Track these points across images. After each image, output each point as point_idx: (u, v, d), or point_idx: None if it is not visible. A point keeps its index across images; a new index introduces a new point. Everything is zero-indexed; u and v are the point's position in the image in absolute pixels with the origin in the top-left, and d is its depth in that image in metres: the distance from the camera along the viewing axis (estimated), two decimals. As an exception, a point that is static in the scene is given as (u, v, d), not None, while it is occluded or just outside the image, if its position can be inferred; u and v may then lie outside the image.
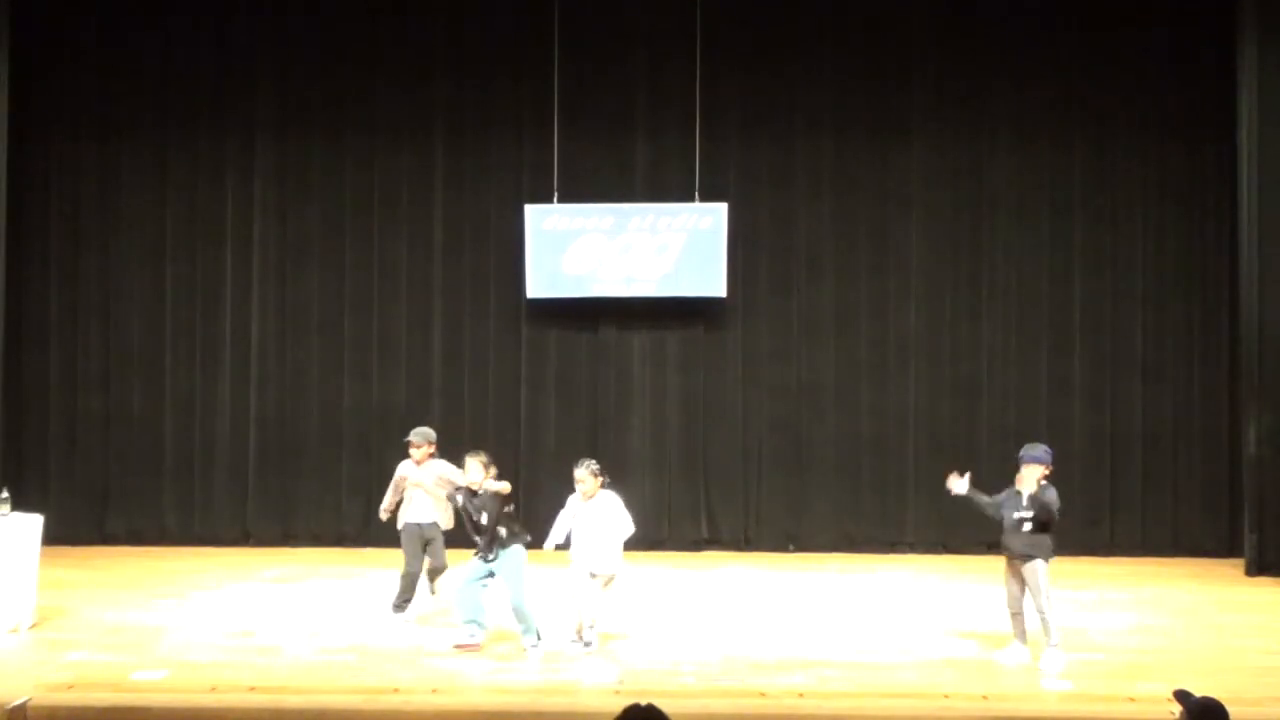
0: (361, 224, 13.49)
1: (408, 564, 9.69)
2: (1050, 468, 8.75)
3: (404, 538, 9.75)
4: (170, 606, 10.42)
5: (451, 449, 13.32)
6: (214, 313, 13.52)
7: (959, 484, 8.82)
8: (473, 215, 13.50)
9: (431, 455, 9.84)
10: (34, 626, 9.47)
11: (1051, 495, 8.62)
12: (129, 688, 7.99)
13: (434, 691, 7.95)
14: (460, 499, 9.09)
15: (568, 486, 13.01)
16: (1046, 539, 8.58)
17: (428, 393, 13.43)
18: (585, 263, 13.03)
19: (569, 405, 13.45)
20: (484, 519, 8.92)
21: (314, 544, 13.18)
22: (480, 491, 8.94)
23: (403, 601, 9.69)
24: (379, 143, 13.48)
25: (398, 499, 9.88)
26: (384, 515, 9.98)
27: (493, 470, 9.00)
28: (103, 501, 13.48)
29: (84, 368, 13.53)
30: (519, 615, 8.89)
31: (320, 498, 13.44)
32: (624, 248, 12.99)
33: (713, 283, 12.99)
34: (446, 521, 9.76)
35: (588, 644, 8.88)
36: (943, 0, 13.31)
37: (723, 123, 13.22)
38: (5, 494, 9.50)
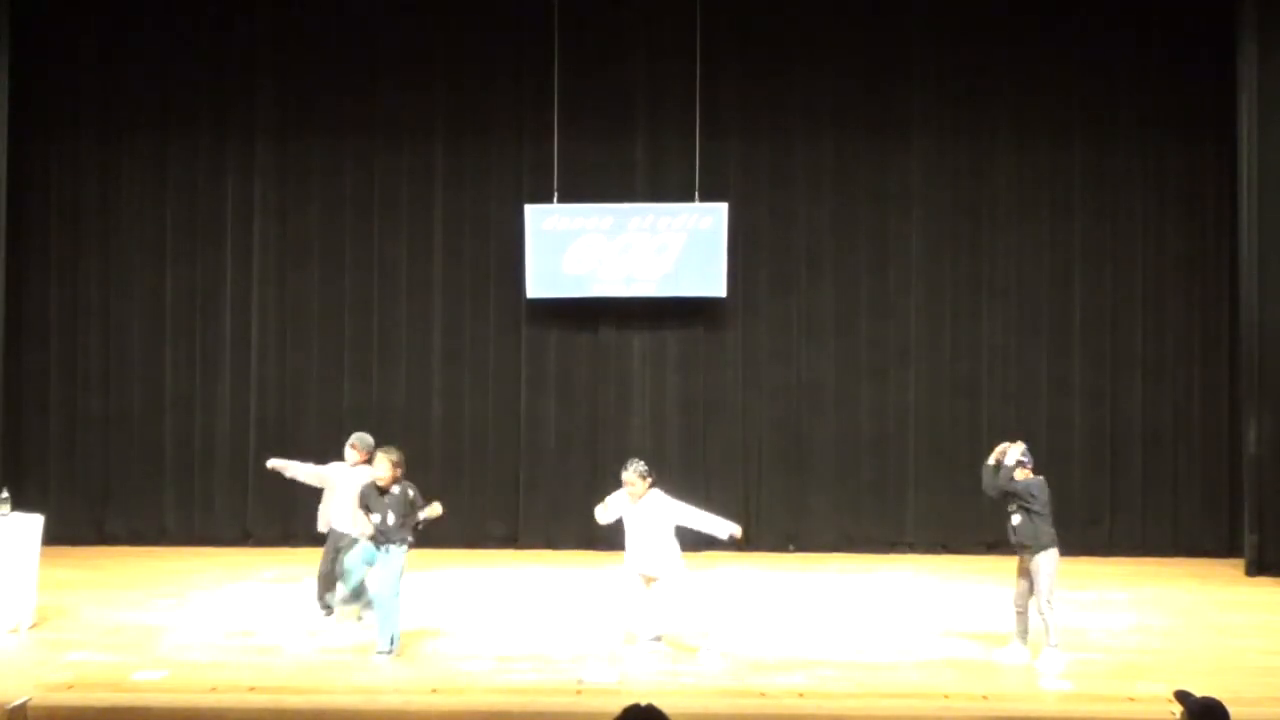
0: (361, 224, 13.49)
1: (322, 562, 9.86)
2: (1029, 465, 8.70)
3: (328, 539, 9.85)
4: (170, 606, 10.42)
5: (451, 448, 13.44)
6: (214, 313, 13.53)
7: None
8: (473, 215, 13.50)
9: (366, 463, 9.57)
10: (34, 626, 9.47)
11: (1021, 487, 8.62)
12: (129, 688, 8.00)
13: (434, 691, 7.95)
14: (368, 497, 8.82)
15: (567, 486, 13.14)
16: (1040, 528, 8.56)
17: (428, 393, 13.43)
18: (585, 263, 13.02)
19: (569, 405, 13.45)
20: (390, 519, 8.67)
21: (314, 544, 12.98)
22: (391, 491, 8.71)
23: (324, 603, 9.81)
24: (379, 143, 13.48)
25: (304, 481, 9.97)
26: (273, 464, 9.98)
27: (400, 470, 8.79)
28: (103, 501, 13.48)
29: (84, 368, 13.53)
30: (380, 608, 8.75)
31: (320, 498, 13.40)
32: (624, 248, 12.99)
33: (713, 283, 12.98)
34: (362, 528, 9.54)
35: (657, 638, 8.89)
36: (943, 0, 13.31)
37: (723, 123, 13.22)
38: (5, 494, 9.50)
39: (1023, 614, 8.71)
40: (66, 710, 7.51)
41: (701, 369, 13.40)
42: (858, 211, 13.37)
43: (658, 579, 8.81)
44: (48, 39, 13.39)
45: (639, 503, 8.82)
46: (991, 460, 8.77)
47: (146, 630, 9.51)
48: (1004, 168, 13.30)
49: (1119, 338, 13.25)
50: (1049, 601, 8.54)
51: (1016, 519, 8.61)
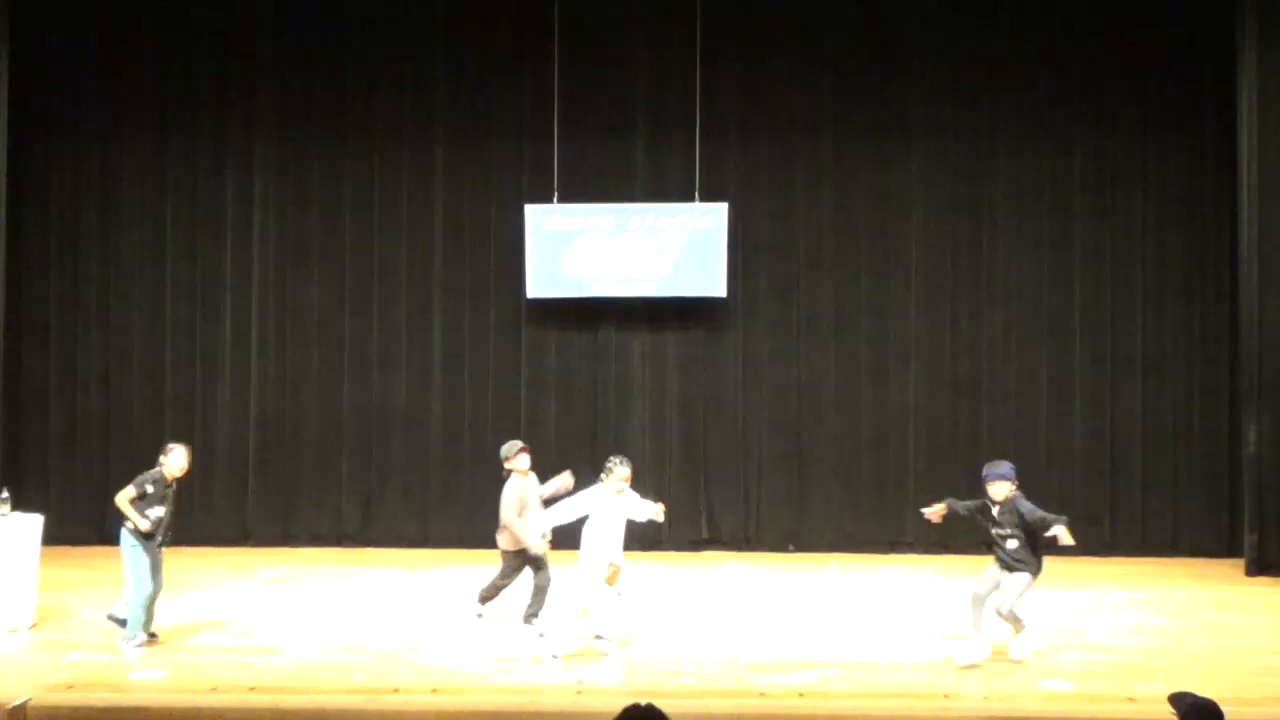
0: (361, 224, 13.49)
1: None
2: (1015, 481, 8.73)
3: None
4: (169, 606, 10.40)
5: (451, 448, 13.45)
6: (214, 313, 13.52)
7: (933, 510, 8.97)
8: (473, 215, 13.50)
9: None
10: (34, 626, 9.49)
11: (1026, 508, 8.62)
12: (129, 688, 8.02)
13: (434, 691, 7.96)
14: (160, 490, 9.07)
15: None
16: (1030, 558, 8.62)
17: (428, 393, 13.43)
18: (585, 263, 13.02)
19: (569, 405, 13.44)
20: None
21: (314, 544, 13.18)
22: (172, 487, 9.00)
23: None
24: (379, 143, 13.48)
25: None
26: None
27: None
28: (103, 501, 13.42)
29: (84, 368, 13.53)
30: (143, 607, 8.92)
31: (320, 498, 13.44)
32: (624, 248, 12.99)
33: (713, 283, 12.98)
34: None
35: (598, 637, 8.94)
36: (943, 0, 13.31)
37: (723, 123, 13.21)
38: (5, 494, 9.51)
39: (979, 605, 8.69)
40: (66, 710, 7.52)
41: (701, 369, 13.40)
42: (858, 211, 13.37)
43: (622, 571, 8.91)
44: (48, 39, 13.39)
45: (620, 497, 8.92)
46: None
47: (146, 630, 9.50)
48: (1004, 168, 13.29)
49: (1119, 338, 13.24)
50: (1011, 607, 8.59)
51: (1013, 544, 8.65)
